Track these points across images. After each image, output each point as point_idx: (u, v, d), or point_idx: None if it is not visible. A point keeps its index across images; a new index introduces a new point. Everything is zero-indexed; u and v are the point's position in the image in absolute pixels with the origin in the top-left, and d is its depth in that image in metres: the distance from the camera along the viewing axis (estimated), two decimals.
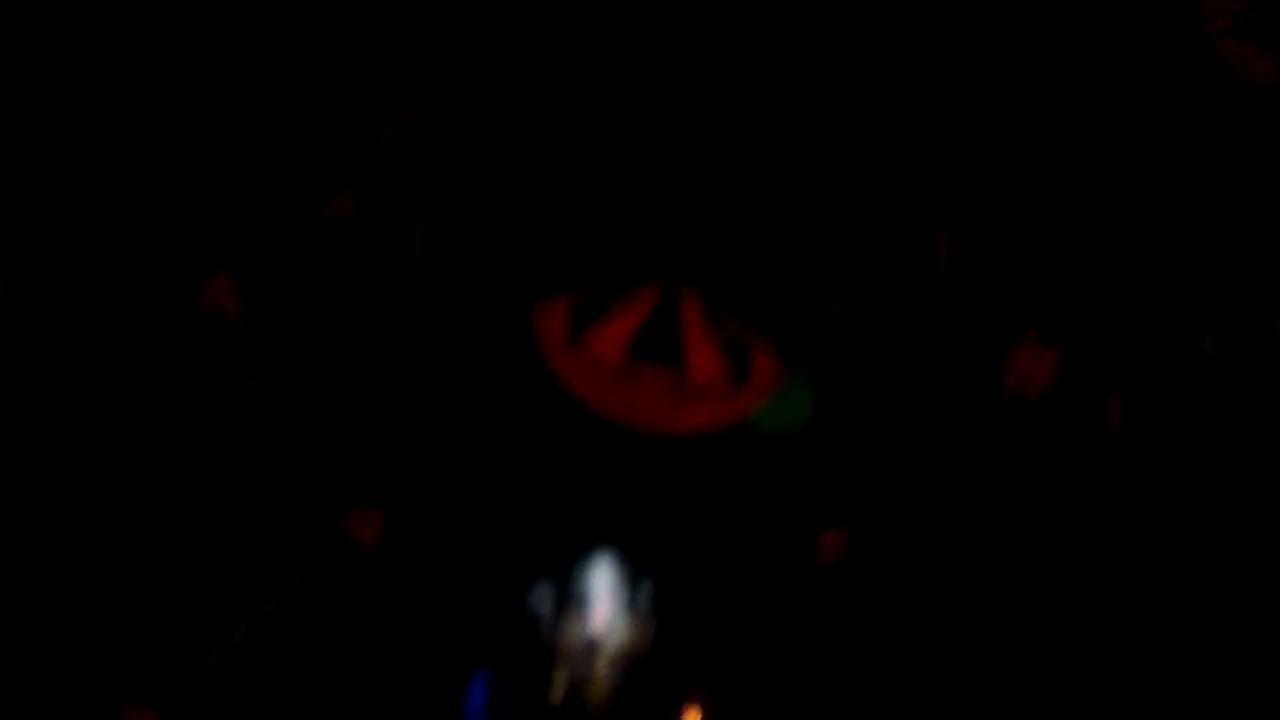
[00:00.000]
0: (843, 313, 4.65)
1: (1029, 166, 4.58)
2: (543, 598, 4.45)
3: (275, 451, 4.38)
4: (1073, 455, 4.55)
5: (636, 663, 4.41)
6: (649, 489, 4.56)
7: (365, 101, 4.39)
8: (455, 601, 4.43)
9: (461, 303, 4.49)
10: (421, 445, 4.47)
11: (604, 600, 4.45)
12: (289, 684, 4.27)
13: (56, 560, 4.19)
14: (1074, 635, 4.45)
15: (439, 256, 4.46)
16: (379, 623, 4.39)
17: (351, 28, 4.43)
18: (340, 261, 4.39)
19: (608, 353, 4.47)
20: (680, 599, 4.50)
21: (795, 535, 4.57)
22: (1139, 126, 4.58)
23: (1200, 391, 4.54)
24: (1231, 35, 4.42)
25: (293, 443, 4.39)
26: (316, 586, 4.35)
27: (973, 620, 4.47)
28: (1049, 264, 4.59)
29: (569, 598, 4.45)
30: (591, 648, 4.39)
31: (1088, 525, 4.53)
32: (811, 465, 4.61)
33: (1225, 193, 4.53)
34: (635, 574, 4.49)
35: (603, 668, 4.38)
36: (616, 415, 4.47)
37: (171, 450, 4.31)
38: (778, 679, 4.41)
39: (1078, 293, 4.58)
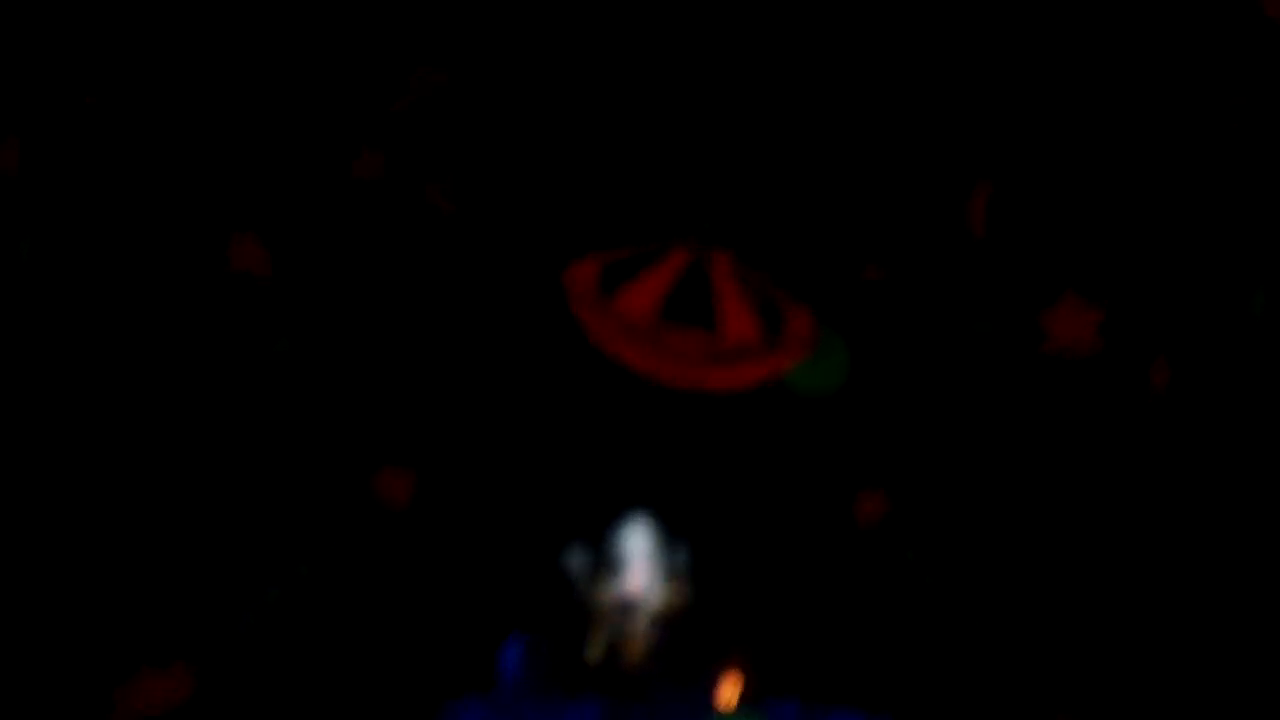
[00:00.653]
0: (878, 274, 4.59)
1: (1066, 122, 4.51)
2: (577, 559, 4.42)
3: (306, 411, 4.37)
4: (1117, 418, 4.47)
5: (674, 625, 4.37)
6: (683, 450, 4.52)
7: (391, 61, 4.37)
8: (488, 563, 4.41)
9: (491, 261, 4.46)
10: (452, 404, 4.45)
11: (640, 562, 4.42)
12: (322, 646, 4.26)
13: (87, 520, 4.20)
14: (1117, 603, 4.37)
15: (468, 215, 4.43)
16: (412, 584, 4.37)
17: None
18: (368, 221, 4.38)
19: (639, 312, 4.43)
20: (717, 561, 4.46)
21: (832, 498, 4.51)
22: (1180, 79, 4.49)
23: (1249, 351, 4.45)
24: None
25: (323, 402, 4.38)
26: (349, 548, 4.34)
27: (1011, 585, 4.40)
28: (1089, 221, 4.51)
29: (604, 559, 4.41)
30: (627, 610, 4.36)
31: (1132, 490, 4.45)
32: (848, 427, 4.55)
33: (1271, 143, 4.43)
34: (671, 536, 4.45)
35: (639, 630, 4.35)
36: (648, 375, 4.43)
37: (203, 410, 4.31)
38: (816, 643, 4.36)
39: (1119, 251, 4.50)
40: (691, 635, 4.36)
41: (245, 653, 4.21)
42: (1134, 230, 4.51)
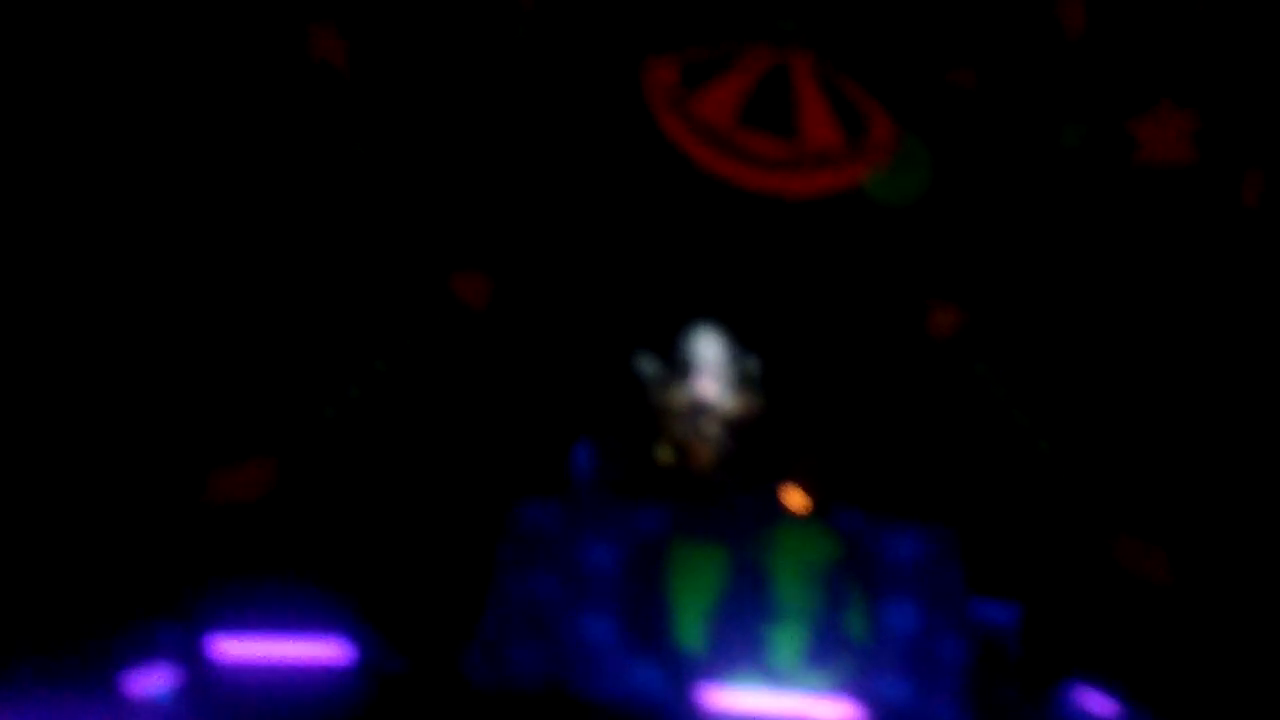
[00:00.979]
0: (966, 78, 4.45)
1: None
2: (649, 364, 4.45)
3: (383, 210, 4.38)
4: (1206, 231, 4.36)
5: (743, 431, 4.41)
6: (757, 256, 4.49)
7: None
8: (562, 365, 4.45)
9: (569, 57, 4.38)
10: (528, 205, 4.43)
11: (711, 368, 4.43)
12: (399, 440, 4.36)
13: (179, 318, 4.29)
14: (1188, 423, 4.31)
15: (548, 11, 4.34)
16: (487, 385, 4.43)
17: None
18: (448, 18, 4.30)
19: (717, 113, 4.35)
20: (787, 369, 4.46)
21: (905, 309, 4.48)
22: None
23: None
24: None
25: (400, 202, 4.39)
26: (427, 347, 4.39)
27: (1079, 401, 4.36)
28: (1188, 24, 4.31)
29: (675, 364, 4.44)
30: (697, 415, 4.39)
31: (1219, 304, 4.36)
32: (926, 237, 4.49)
33: None
34: (742, 342, 4.45)
35: (708, 435, 4.39)
36: (724, 178, 4.38)
37: (279, 206, 4.33)
38: (882, 454, 4.38)
39: (1214, 57, 4.31)
40: (760, 442, 4.40)
41: (326, 446, 4.32)
42: (1235, 36, 4.31)
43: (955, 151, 4.46)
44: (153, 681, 3.82)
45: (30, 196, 4.17)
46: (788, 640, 3.89)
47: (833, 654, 3.87)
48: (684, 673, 3.92)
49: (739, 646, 3.89)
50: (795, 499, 4.25)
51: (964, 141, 4.46)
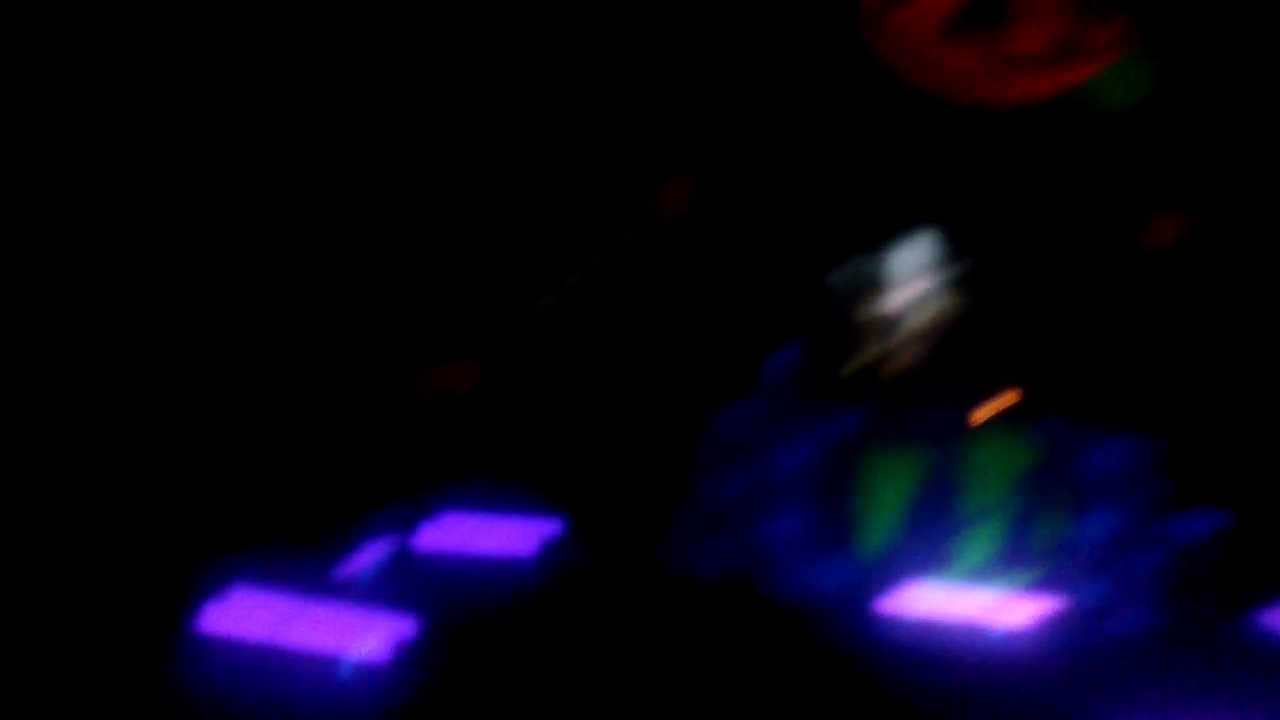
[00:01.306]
0: None
1: None
2: (850, 271, 4.39)
3: (589, 114, 4.45)
4: None
5: (945, 335, 4.31)
6: (965, 163, 4.38)
7: None
8: (760, 270, 4.44)
9: None
10: (730, 108, 4.44)
11: (912, 276, 4.34)
12: (596, 346, 4.43)
13: (391, 229, 4.45)
14: None
15: None
16: (683, 291, 4.46)
17: None
18: None
19: (927, 19, 4.26)
20: (994, 278, 4.35)
21: (1125, 217, 4.31)
22: None
23: None
24: None
25: (605, 104, 4.45)
26: (624, 253, 4.44)
27: None
28: None
29: (875, 272, 4.37)
30: (895, 323, 4.31)
31: None
32: (1148, 143, 4.30)
33: None
34: (947, 251, 4.35)
35: (908, 339, 4.30)
36: (932, 86, 4.29)
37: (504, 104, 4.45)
38: (1092, 363, 4.23)
39: None
40: (963, 347, 4.29)
41: (528, 347, 4.42)
42: None
43: (1185, 50, 4.26)
44: (360, 564, 3.98)
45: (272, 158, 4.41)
46: (980, 545, 3.80)
47: (1026, 559, 3.77)
48: (872, 573, 3.87)
49: (929, 550, 3.82)
50: (996, 403, 4.13)
51: (1195, 39, 4.26)
